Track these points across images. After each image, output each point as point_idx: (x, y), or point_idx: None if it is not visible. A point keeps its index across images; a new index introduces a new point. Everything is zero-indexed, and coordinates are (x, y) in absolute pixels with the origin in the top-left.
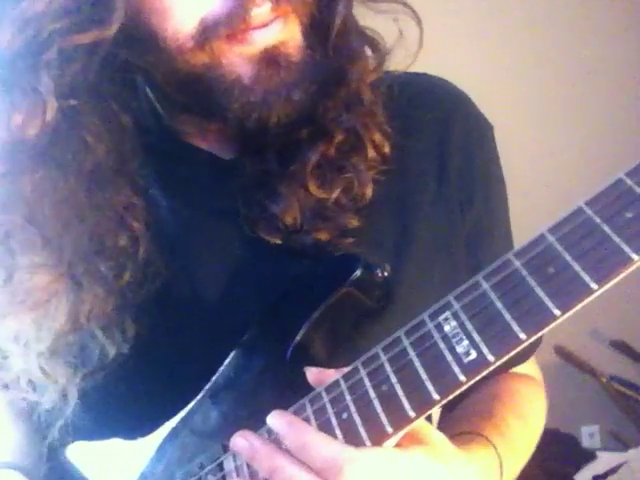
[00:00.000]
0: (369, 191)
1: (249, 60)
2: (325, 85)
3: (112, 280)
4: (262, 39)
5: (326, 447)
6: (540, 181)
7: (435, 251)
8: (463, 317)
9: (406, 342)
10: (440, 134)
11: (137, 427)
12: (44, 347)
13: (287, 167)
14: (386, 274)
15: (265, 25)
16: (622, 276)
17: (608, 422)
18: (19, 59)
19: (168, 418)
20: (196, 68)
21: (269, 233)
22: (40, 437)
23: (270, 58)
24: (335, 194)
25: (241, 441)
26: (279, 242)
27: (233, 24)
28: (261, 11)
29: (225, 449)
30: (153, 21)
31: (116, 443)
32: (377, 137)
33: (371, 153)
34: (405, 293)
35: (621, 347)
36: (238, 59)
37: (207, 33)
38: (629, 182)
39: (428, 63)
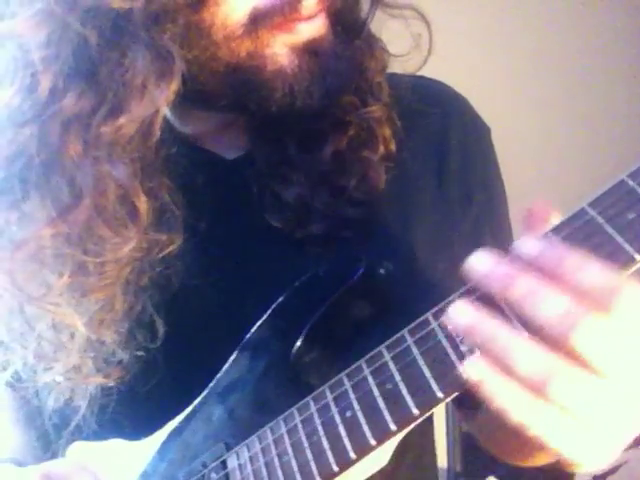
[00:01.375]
0: (381, 183)
1: (292, 50)
2: (350, 79)
3: (133, 282)
4: (307, 30)
5: (595, 267)
6: (540, 183)
7: (436, 250)
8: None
9: (410, 340)
10: (438, 136)
11: (139, 428)
12: (84, 339)
13: (305, 155)
14: (388, 273)
15: (312, 17)
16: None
17: None
18: (150, 24)
19: (171, 418)
20: (239, 57)
21: (279, 220)
22: (49, 436)
23: (311, 49)
24: (352, 183)
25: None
26: (288, 230)
27: (285, 13)
28: (310, 3)
29: (228, 447)
30: (201, 8)
31: (117, 442)
32: (388, 133)
33: (381, 149)
34: (406, 291)
35: None
36: (282, 49)
37: (258, 22)
38: (631, 183)
39: (428, 66)
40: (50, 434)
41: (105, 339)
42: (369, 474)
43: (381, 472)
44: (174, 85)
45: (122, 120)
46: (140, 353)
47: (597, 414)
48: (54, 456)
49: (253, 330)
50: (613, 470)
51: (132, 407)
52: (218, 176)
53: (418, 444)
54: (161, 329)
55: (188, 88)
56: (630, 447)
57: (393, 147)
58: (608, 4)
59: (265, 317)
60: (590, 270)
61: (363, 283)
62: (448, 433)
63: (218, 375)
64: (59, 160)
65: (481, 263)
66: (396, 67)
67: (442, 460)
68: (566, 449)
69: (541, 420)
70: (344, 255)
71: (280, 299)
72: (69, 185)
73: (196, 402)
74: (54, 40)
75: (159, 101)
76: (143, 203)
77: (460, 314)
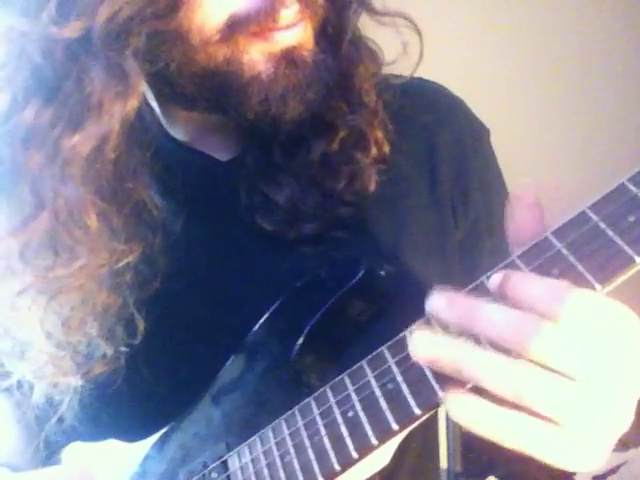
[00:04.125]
0: (372, 185)
1: (269, 58)
2: (332, 87)
3: (114, 277)
4: (285, 39)
5: (537, 281)
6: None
7: (428, 254)
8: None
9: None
10: (430, 139)
11: (137, 430)
12: (54, 339)
13: (292, 159)
14: (388, 275)
15: (290, 26)
16: (624, 278)
17: None
18: (110, 40)
19: (169, 420)
20: (217, 62)
21: (270, 222)
22: (35, 432)
23: (289, 58)
24: (340, 185)
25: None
26: (279, 232)
27: (262, 22)
28: (289, 12)
29: (229, 448)
30: (181, 11)
31: (115, 443)
32: (380, 136)
33: (373, 151)
34: (404, 293)
35: None
36: (259, 56)
37: (235, 28)
38: (633, 188)
39: (425, 67)
40: (33, 426)
41: (80, 337)
42: (370, 474)
43: (380, 473)
44: (131, 103)
45: (77, 138)
46: (134, 353)
47: (578, 417)
48: (36, 450)
49: (253, 331)
50: (613, 470)
51: (129, 409)
52: (212, 177)
53: (419, 446)
54: (141, 325)
55: (170, 90)
56: (619, 449)
57: (386, 149)
58: (608, 4)
59: (265, 318)
60: (532, 284)
61: (363, 285)
62: (448, 433)
63: (218, 376)
64: (22, 170)
65: (435, 301)
66: (391, 70)
67: (442, 460)
68: (552, 456)
69: (523, 433)
70: (344, 257)
71: (280, 300)
72: (32, 195)
73: (195, 403)
74: (12, 60)
75: (114, 119)
76: (93, 220)
77: (419, 347)
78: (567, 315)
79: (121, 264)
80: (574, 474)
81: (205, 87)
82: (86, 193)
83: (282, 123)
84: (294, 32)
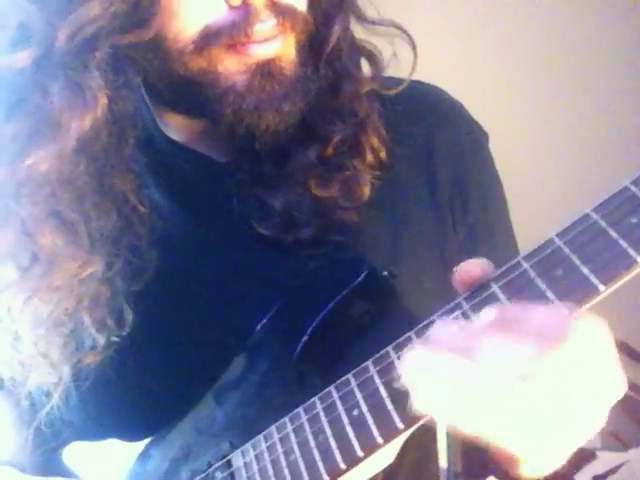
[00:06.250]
0: (367, 191)
1: (245, 70)
2: (316, 100)
3: (103, 268)
4: (261, 53)
5: (540, 309)
6: (540, 187)
7: (426, 258)
8: (473, 317)
9: (417, 341)
10: (429, 143)
11: (137, 429)
12: (42, 328)
13: (283, 167)
14: (392, 275)
15: (266, 40)
16: (627, 278)
17: (608, 422)
18: (71, 59)
19: (170, 421)
20: (192, 72)
21: (267, 227)
22: (26, 422)
23: (265, 70)
24: (333, 192)
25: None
26: (275, 236)
27: (234, 36)
28: (265, 27)
29: (233, 446)
30: (158, 20)
31: (117, 443)
32: (375, 142)
33: (369, 157)
34: (400, 297)
35: (621, 347)
36: (235, 68)
37: (208, 40)
38: (634, 189)
39: (424, 70)
40: (25, 414)
41: (66, 328)
42: (375, 472)
43: (382, 471)
44: (89, 119)
45: (32, 158)
46: (134, 354)
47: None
48: (37, 448)
49: (256, 331)
50: (613, 470)
51: (131, 409)
52: (209, 177)
53: (419, 445)
54: (129, 317)
55: (154, 94)
56: (619, 449)
57: (383, 155)
58: (608, 4)
59: (268, 318)
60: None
61: (366, 285)
62: (448, 433)
63: (220, 375)
64: None
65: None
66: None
67: (442, 460)
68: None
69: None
70: (347, 257)
71: (283, 300)
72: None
73: (196, 403)
74: None
75: (71, 136)
76: (47, 239)
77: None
78: (572, 342)
79: (91, 271)
80: (574, 474)
81: (183, 94)
82: (41, 213)
83: (257, 133)
84: (271, 45)
